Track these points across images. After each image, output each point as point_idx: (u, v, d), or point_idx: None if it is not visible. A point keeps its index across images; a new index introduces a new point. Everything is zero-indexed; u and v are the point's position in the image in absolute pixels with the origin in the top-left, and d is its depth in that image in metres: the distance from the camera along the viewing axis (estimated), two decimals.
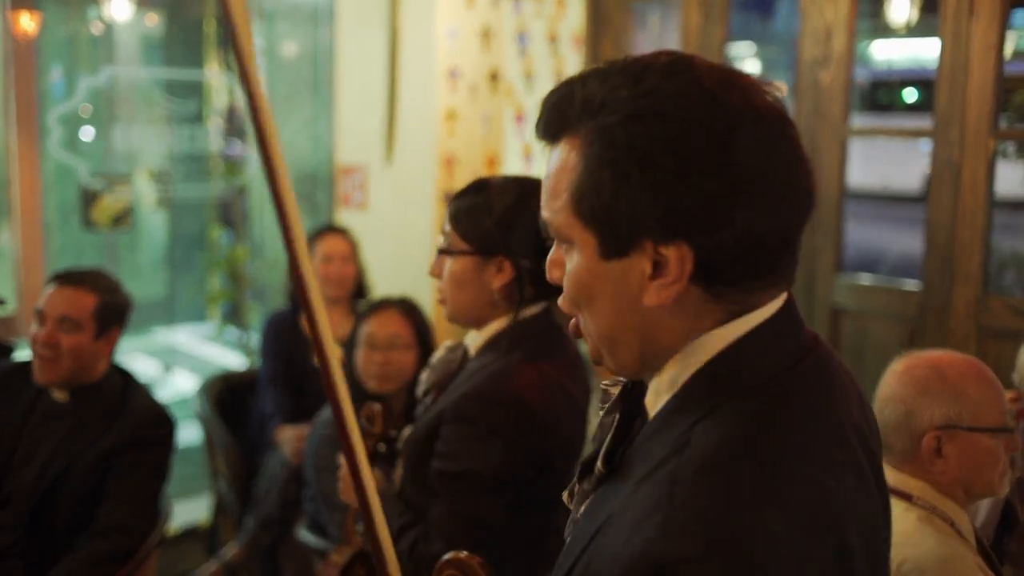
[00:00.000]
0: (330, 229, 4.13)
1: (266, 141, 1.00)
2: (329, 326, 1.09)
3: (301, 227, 1.06)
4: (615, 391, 1.09)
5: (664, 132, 0.91)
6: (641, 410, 1.05)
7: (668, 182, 0.91)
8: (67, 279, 2.78)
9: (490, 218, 1.93)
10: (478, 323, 2.02)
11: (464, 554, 1.13)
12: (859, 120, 5.12)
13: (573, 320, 1.07)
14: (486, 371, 1.93)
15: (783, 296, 1.00)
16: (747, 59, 6.43)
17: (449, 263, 1.98)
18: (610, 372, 1.07)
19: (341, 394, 1.10)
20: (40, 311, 2.74)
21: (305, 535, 3.38)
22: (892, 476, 1.89)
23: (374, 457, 2.15)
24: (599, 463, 1.04)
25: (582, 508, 1.07)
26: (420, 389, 2.12)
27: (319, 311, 1.07)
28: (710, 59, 0.97)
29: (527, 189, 1.94)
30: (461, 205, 1.97)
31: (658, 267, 0.94)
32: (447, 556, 1.16)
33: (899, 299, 3.77)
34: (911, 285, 3.75)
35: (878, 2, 4.90)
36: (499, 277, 1.94)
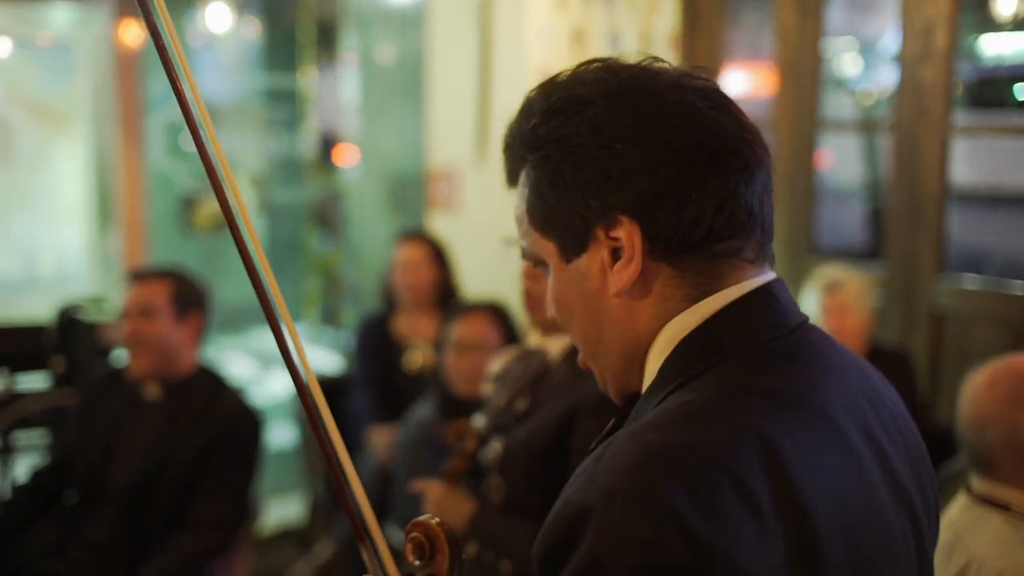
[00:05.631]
0: (405, 237, 4.16)
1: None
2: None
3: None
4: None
5: (585, 115, 0.97)
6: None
7: (594, 159, 0.96)
8: (140, 274, 3.02)
9: None
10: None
11: (432, 519, 1.06)
12: (968, 118, 4.94)
13: (579, 355, 1.09)
14: None
15: (761, 277, 1.00)
16: (845, 56, 6.28)
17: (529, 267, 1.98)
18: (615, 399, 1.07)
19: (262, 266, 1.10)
20: (124, 309, 2.94)
21: (395, 534, 3.41)
22: (986, 487, 1.81)
23: (462, 476, 2.15)
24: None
25: None
26: (499, 399, 2.10)
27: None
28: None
29: None
30: None
31: (615, 253, 0.97)
32: (416, 519, 1.08)
33: (1004, 302, 3.63)
34: (1017, 287, 3.61)
35: None
36: None
